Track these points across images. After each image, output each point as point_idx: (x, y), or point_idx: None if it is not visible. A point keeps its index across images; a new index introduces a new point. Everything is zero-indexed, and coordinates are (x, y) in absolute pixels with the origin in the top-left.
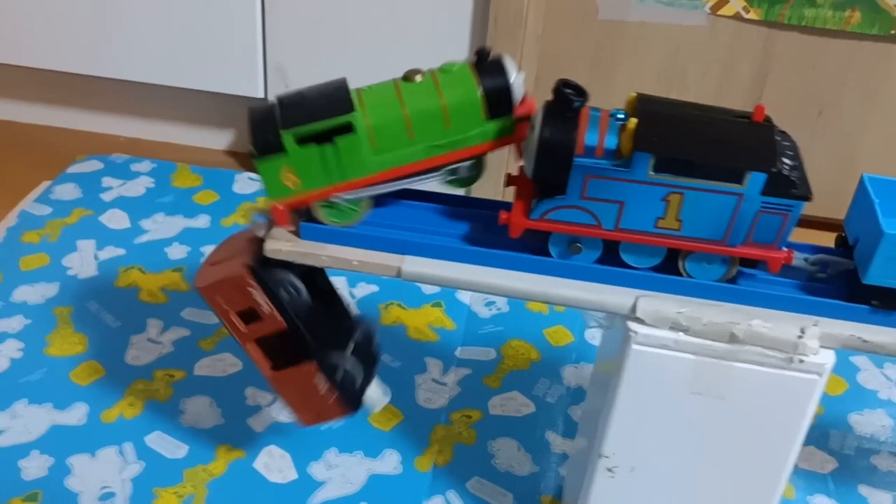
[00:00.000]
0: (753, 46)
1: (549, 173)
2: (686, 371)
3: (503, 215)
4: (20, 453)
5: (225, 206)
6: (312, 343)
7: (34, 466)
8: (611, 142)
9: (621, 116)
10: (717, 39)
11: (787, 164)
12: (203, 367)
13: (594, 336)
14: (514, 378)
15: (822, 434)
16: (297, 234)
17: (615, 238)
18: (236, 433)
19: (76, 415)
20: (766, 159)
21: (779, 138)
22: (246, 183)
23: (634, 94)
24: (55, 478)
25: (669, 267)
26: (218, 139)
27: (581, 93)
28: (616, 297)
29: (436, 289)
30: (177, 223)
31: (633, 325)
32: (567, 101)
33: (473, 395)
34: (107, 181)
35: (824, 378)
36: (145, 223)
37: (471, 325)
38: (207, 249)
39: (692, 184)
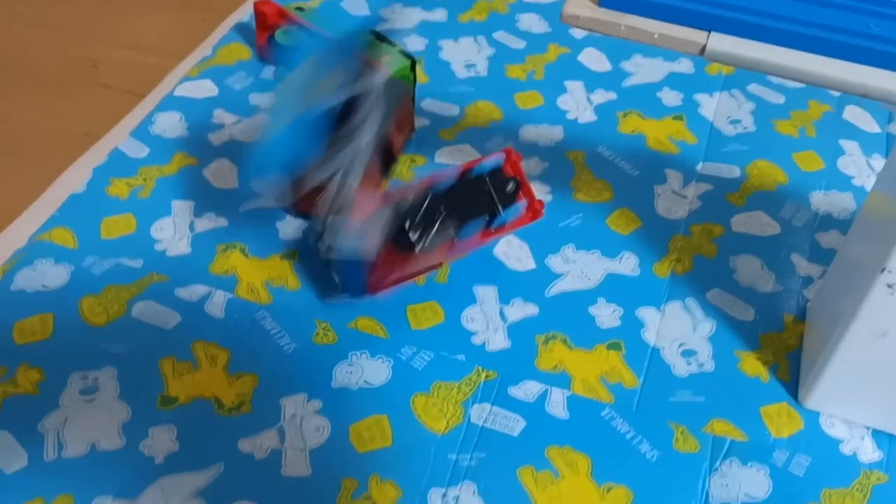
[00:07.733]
0: None
1: None
2: None
3: None
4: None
5: (461, 1)
6: None
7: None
8: None
9: None
10: None
11: None
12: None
13: (847, 165)
14: (759, 198)
15: None
16: (596, 2)
17: None
18: None
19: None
20: None
21: None
22: None
23: None
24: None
25: None
26: None
27: None
28: None
29: (677, 101)
30: (413, 15)
31: None
32: None
33: (715, 210)
34: None
35: None
36: (386, 12)
37: (713, 142)
38: (444, 43)
39: None
